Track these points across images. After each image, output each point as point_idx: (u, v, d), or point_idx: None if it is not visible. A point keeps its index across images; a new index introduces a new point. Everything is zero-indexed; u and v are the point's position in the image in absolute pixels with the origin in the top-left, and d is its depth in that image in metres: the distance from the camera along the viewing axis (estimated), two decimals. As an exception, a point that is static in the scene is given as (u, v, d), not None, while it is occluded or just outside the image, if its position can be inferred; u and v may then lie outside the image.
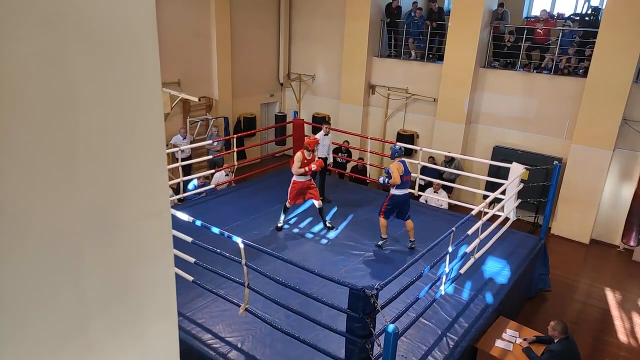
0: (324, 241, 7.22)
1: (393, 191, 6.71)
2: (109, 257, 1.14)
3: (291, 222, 7.83)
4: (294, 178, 7.25)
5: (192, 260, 5.29)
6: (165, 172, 1.24)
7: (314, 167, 7.16)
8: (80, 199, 1.03)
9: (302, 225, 7.75)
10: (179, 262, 5.28)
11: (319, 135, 8.44)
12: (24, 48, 0.87)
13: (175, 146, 9.42)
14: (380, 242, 7.01)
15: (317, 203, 7.37)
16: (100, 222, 1.10)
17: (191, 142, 10.25)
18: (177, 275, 5.83)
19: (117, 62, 1.02)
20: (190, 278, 5.33)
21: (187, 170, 9.48)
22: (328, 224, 7.53)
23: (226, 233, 5.13)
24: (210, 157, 9.91)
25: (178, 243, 5.14)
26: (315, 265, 6.16)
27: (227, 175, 9.57)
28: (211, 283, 5.38)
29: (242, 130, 11.82)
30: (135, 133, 1.10)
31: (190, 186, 8.93)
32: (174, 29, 10.58)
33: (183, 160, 8.71)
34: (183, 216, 5.49)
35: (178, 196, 8.35)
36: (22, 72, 0.88)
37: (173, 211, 5.64)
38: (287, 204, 7.36)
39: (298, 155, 7.15)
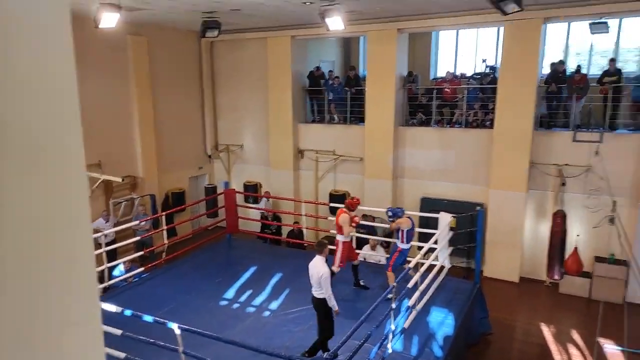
0: (267, 313, 6.94)
1: (402, 245, 7.17)
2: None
3: (229, 297, 7.49)
4: (343, 240, 7.17)
5: (122, 355, 4.81)
6: (94, 276, 1.12)
7: (356, 219, 7.24)
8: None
9: (241, 299, 7.42)
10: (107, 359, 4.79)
11: None
12: None
13: (97, 231, 8.82)
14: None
15: (356, 261, 7.54)
16: (15, 334, 0.96)
17: (115, 225, 9.67)
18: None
19: (34, 163, 0.94)
20: (122, 376, 4.82)
21: (112, 255, 8.84)
22: (362, 283, 7.53)
23: (160, 320, 4.77)
24: (138, 238, 9.38)
25: (106, 338, 4.68)
26: (260, 340, 5.87)
27: (127, 270, 8.29)
28: (146, 378, 4.89)
29: (171, 207, 11.41)
30: (55, 235, 1.00)
31: (116, 272, 8.30)
32: (93, 109, 10.29)
33: (107, 244, 8.15)
34: (110, 307, 5.06)
35: (103, 285, 7.71)
36: None
37: (98, 303, 5.19)
38: (337, 268, 7.07)
39: (345, 217, 7.04)
